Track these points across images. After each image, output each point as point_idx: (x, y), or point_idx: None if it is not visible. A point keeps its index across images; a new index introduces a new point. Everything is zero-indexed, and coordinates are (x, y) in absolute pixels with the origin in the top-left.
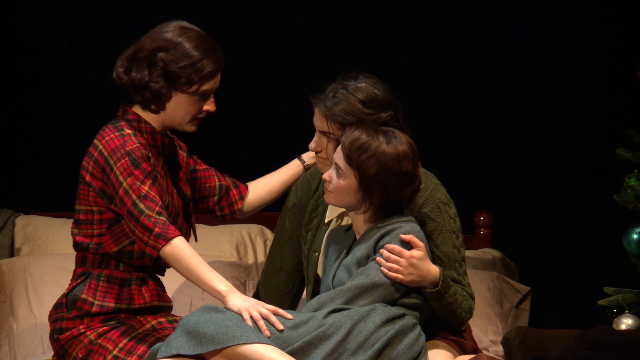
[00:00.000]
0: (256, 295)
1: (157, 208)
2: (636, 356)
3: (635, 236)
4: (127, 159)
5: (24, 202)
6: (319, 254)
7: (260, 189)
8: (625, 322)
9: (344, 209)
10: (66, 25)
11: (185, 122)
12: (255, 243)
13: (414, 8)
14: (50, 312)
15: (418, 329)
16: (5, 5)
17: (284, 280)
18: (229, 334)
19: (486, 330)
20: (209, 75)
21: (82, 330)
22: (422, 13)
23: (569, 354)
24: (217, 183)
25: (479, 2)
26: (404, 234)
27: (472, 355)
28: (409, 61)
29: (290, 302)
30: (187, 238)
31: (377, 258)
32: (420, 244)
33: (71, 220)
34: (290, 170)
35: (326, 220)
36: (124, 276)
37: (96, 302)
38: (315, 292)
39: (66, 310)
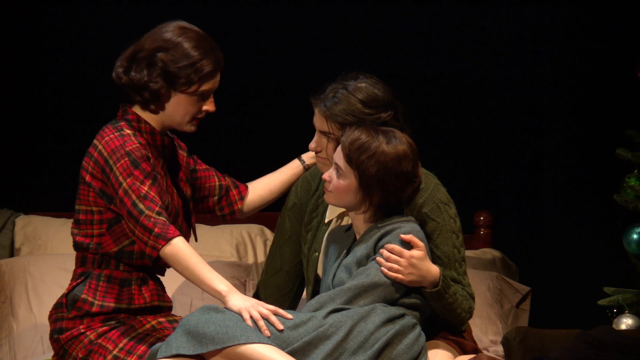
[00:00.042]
0: (256, 295)
1: (157, 208)
2: (636, 356)
3: (635, 236)
4: (126, 159)
5: (24, 202)
6: (319, 254)
7: (260, 189)
8: (625, 322)
9: (344, 209)
10: (66, 25)
11: (184, 122)
12: (255, 243)
13: (414, 8)
14: (50, 312)
15: (418, 329)
16: (5, 5)
17: (284, 280)
18: (229, 334)
19: (486, 330)
20: (209, 76)
21: (82, 330)
22: (422, 13)
23: (569, 354)
24: (217, 183)
25: (479, 2)
26: (404, 234)
27: (472, 355)
28: (409, 61)
29: (290, 302)
30: (187, 238)
31: (377, 258)
32: (420, 244)
33: (71, 220)
34: (290, 170)
35: (326, 220)
36: (124, 276)
37: (96, 302)
38: (315, 292)
39: (66, 310)
